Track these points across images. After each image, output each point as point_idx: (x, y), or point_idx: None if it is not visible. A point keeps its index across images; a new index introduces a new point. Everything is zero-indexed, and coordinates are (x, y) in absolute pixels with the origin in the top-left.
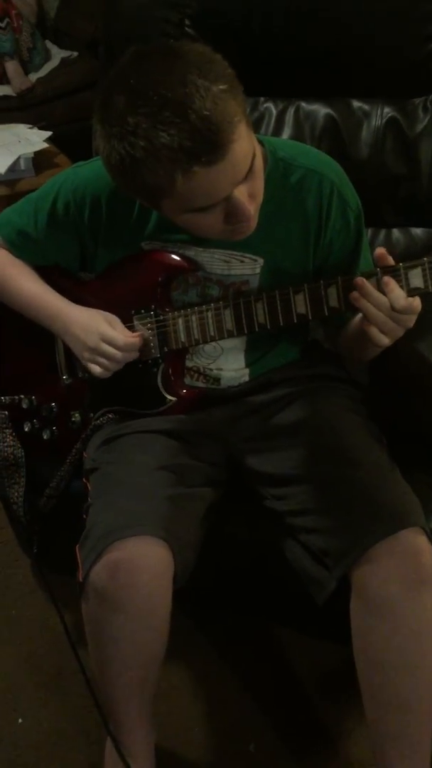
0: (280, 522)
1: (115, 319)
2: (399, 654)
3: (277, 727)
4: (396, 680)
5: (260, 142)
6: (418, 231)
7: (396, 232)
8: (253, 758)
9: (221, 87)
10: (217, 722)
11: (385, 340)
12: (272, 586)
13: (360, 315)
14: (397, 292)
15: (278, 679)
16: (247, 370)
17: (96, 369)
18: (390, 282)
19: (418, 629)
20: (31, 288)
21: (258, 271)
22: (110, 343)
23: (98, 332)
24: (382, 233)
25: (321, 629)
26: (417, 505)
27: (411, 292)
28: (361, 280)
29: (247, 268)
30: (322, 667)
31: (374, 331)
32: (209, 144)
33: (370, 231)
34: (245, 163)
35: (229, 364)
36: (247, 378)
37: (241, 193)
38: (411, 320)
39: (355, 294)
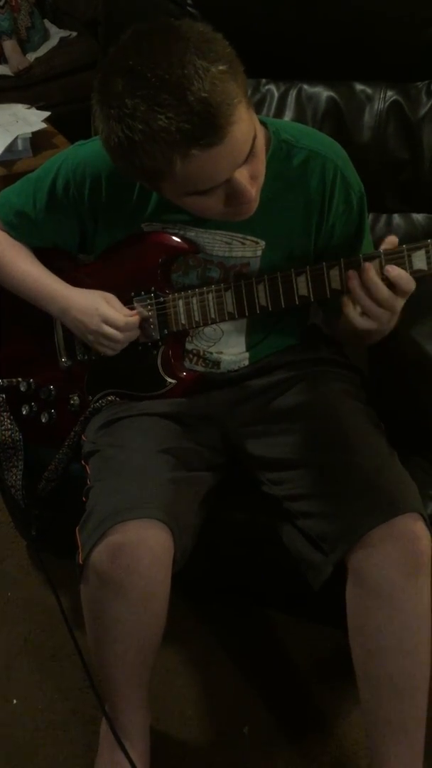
0: (278, 507)
1: (113, 298)
2: (394, 639)
3: (272, 710)
4: (391, 665)
5: (263, 123)
6: (419, 216)
7: (397, 218)
8: (248, 740)
9: (221, 68)
10: (212, 705)
11: (366, 324)
12: (269, 570)
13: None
14: (401, 272)
15: (273, 663)
16: (246, 354)
17: (103, 350)
18: (393, 269)
19: (414, 614)
20: (29, 270)
21: (259, 253)
22: (111, 324)
23: (98, 313)
24: (383, 218)
25: (317, 614)
26: (415, 490)
27: (413, 274)
28: (368, 265)
29: (249, 250)
30: (317, 651)
31: (352, 311)
32: (207, 126)
33: (370, 216)
34: (245, 146)
35: (230, 347)
36: (246, 362)
37: (242, 175)
38: (400, 304)
39: (351, 273)
